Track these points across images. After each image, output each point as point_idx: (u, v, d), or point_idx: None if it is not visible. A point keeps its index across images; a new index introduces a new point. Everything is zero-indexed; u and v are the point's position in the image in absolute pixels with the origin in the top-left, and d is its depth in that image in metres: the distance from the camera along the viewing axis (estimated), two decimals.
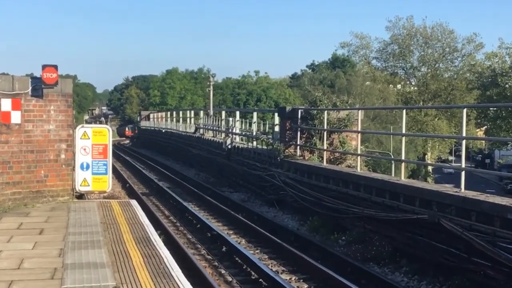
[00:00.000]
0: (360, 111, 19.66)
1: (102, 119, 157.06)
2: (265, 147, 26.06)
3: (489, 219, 11.13)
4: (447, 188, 13.75)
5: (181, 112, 59.59)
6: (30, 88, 13.48)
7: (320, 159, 20.59)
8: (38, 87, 13.51)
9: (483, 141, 79.50)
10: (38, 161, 13.67)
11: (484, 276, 11.26)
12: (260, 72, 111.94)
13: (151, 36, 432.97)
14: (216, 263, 14.36)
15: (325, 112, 20.23)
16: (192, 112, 54.40)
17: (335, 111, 21.06)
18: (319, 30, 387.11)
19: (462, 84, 69.77)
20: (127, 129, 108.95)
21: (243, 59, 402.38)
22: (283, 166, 22.00)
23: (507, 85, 59.14)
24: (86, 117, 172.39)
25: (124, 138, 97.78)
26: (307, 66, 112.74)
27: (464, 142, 13.48)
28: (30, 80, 13.66)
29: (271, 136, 26.12)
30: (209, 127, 41.82)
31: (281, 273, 13.50)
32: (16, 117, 13.37)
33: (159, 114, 72.55)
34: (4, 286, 7.68)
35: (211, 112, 45.88)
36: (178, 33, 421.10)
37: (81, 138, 14.42)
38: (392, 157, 34.26)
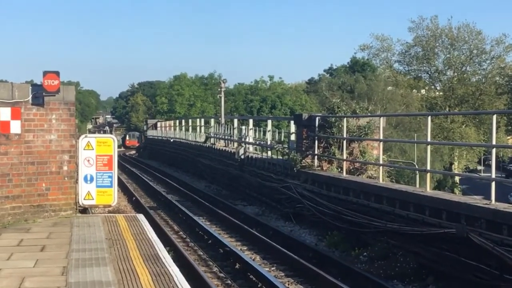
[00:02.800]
0: (381, 118, 19.63)
1: (107, 128, 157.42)
2: (281, 157, 26.07)
3: None
4: (476, 200, 13.71)
5: (190, 121, 59.68)
6: (30, 96, 13.54)
7: (339, 169, 20.57)
8: (39, 95, 13.56)
9: None
10: (39, 174, 13.71)
11: None
12: (275, 77, 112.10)
13: (158, 39, 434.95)
14: (229, 281, 14.36)
15: (344, 119, 20.21)
16: (202, 120, 54.44)
17: (355, 118, 21.04)
18: (337, 32, 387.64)
19: (491, 89, 69.46)
20: (127, 137, 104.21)
21: (256, 63, 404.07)
22: (300, 177, 21.98)
23: None
24: (90, 126, 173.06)
25: (131, 149, 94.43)
26: (324, 71, 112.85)
27: (494, 150, 13.42)
28: (30, 87, 13.71)
29: (286, 146, 26.12)
30: (220, 136, 41.85)
31: None
32: (15, 127, 13.41)
33: (167, 122, 72.69)
34: None
35: (223, 120, 45.91)
36: (186, 37, 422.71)
37: (84, 149, 14.45)
38: (417, 167, 34.14)
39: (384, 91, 71.24)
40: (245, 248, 18.10)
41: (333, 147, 21.14)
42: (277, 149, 27.38)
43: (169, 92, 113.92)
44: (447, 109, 68.45)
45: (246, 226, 20.83)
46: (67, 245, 11.13)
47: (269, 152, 29.47)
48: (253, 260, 16.20)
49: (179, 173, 45.91)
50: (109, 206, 15.37)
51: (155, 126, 75.25)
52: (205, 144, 43.88)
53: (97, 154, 14.51)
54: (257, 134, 35.02)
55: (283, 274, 15.05)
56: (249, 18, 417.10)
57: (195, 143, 47.39)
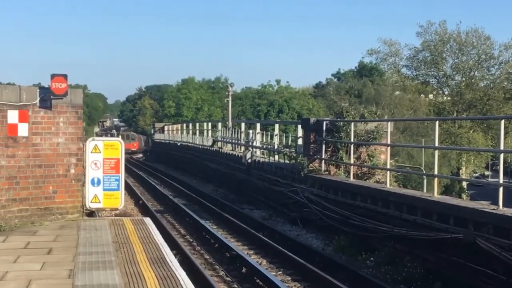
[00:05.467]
0: (389, 122, 19.61)
1: (114, 131, 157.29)
2: (288, 162, 26.05)
3: None
4: (483, 205, 13.67)
5: (197, 124, 59.75)
6: (38, 99, 13.58)
7: (347, 174, 20.55)
8: (47, 97, 13.60)
9: None
10: (46, 177, 13.75)
11: None
12: (282, 81, 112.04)
13: (165, 43, 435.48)
14: (236, 285, 14.37)
15: (352, 124, 20.20)
16: (210, 124, 54.51)
17: (363, 122, 21.03)
18: (345, 37, 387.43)
19: (499, 94, 69.30)
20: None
21: (263, 68, 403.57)
22: (307, 182, 21.97)
23: None
24: (97, 129, 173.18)
25: (136, 152, 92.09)
26: (332, 75, 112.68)
27: (502, 156, 13.39)
28: (38, 90, 13.75)
29: (294, 150, 26.11)
30: (227, 140, 41.87)
31: None
32: (23, 130, 13.45)
33: (174, 126, 72.76)
34: None
35: (230, 124, 45.92)
36: (194, 40, 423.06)
37: (91, 152, 14.49)
38: (424, 172, 34.12)
39: (391, 95, 71.14)
40: (252, 252, 18.10)
41: (340, 152, 21.13)
42: (284, 153, 27.34)
43: (177, 95, 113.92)
44: (455, 114, 68.34)
45: (252, 230, 20.82)
46: (74, 248, 11.15)
47: (276, 156, 29.47)
48: (260, 264, 16.21)
49: (186, 177, 45.92)
50: (116, 209, 15.40)
51: (162, 130, 75.30)
52: (212, 148, 43.91)
53: (104, 157, 14.56)
54: (264, 138, 35.02)
55: (289, 278, 15.05)
56: (257, 22, 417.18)
57: (202, 147, 47.42)
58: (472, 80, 71.25)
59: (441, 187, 55.63)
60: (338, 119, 21.81)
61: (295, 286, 14.29)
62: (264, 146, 33.44)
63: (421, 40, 71.45)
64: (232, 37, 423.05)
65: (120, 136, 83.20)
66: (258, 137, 34.57)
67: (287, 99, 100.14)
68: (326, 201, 20.01)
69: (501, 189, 12.78)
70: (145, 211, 27.25)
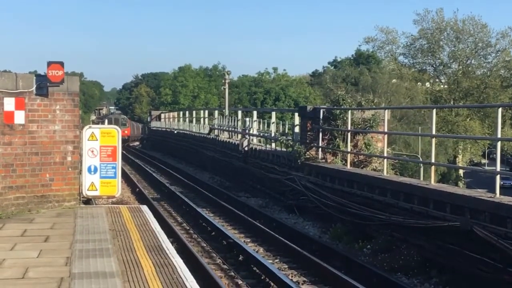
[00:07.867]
0: (386, 110, 19.60)
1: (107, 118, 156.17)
2: (285, 149, 26.05)
3: None
4: (480, 193, 13.69)
5: (194, 112, 59.70)
6: (34, 86, 13.53)
7: (344, 162, 20.56)
8: (43, 85, 13.56)
9: None
10: (43, 164, 13.72)
11: None
12: (279, 69, 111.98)
13: (162, 30, 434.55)
14: (233, 273, 14.37)
15: (349, 111, 20.18)
16: (206, 112, 54.44)
17: (360, 110, 21.02)
18: (342, 24, 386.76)
19: (496, 82, 69.35)
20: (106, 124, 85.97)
21: (260, 55, 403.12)
22: (304, 170, 21.98)
23: None
24: (93, 117, 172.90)
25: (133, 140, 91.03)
26: (329, 63, 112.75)
27: (499, 144, 13.38)
28: (34, 78, 13.71)
29: (290, 138, 26.08)
30: (224, 128, 41.87)
31: (302, 284, 13.50)
32: (19, 117, 13.42)
33: (171, 114, 72.68)
34: None
35: (227, 112, 45.92)
36: (191, 28, 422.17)
37: (88, 140, 14.45)
38: (421, 160, 34.18)
39: (388, 83, 71.22)
40: (249, 240, 18.12)
41: (337, 140, 21.12)
42: (281, 141, 27.34)
43: (173, 83, 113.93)
44: (452, 102, 68.40)
45: (249, 218, 20.83)
46: (70, 236, 11.14)
47: (273, 144, 29.46)
48: (257, 252, 16.21)
49: (182, 165, 45.93)
50: (113, 197, 15.39)
51: (158, 118, 75.20)
52: (209, 136, 43.91)
53: (101, 145, 14.52)
54: (261, 126, 35.02)
55: (286, 266, 15.06)
56: (255, 10, 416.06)
57: (199, 135, 47.41)
58: (469, 68, 71.30)
59: (438, 175, 55.74)
60: (335, 107, 21.79)
61: (291, 273, 14.29)
62: (261, 134, 33.45)
63: (418, 28, 71.47)
64: (230, 25, 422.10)
65: (107, 121, 75.18)
66: (255, 125, 34.59)
67: (284, 87, 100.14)
68: (323, 189, 20.03)
69: (497, 177, 12.81)
70: (142, 198, 27.27)
